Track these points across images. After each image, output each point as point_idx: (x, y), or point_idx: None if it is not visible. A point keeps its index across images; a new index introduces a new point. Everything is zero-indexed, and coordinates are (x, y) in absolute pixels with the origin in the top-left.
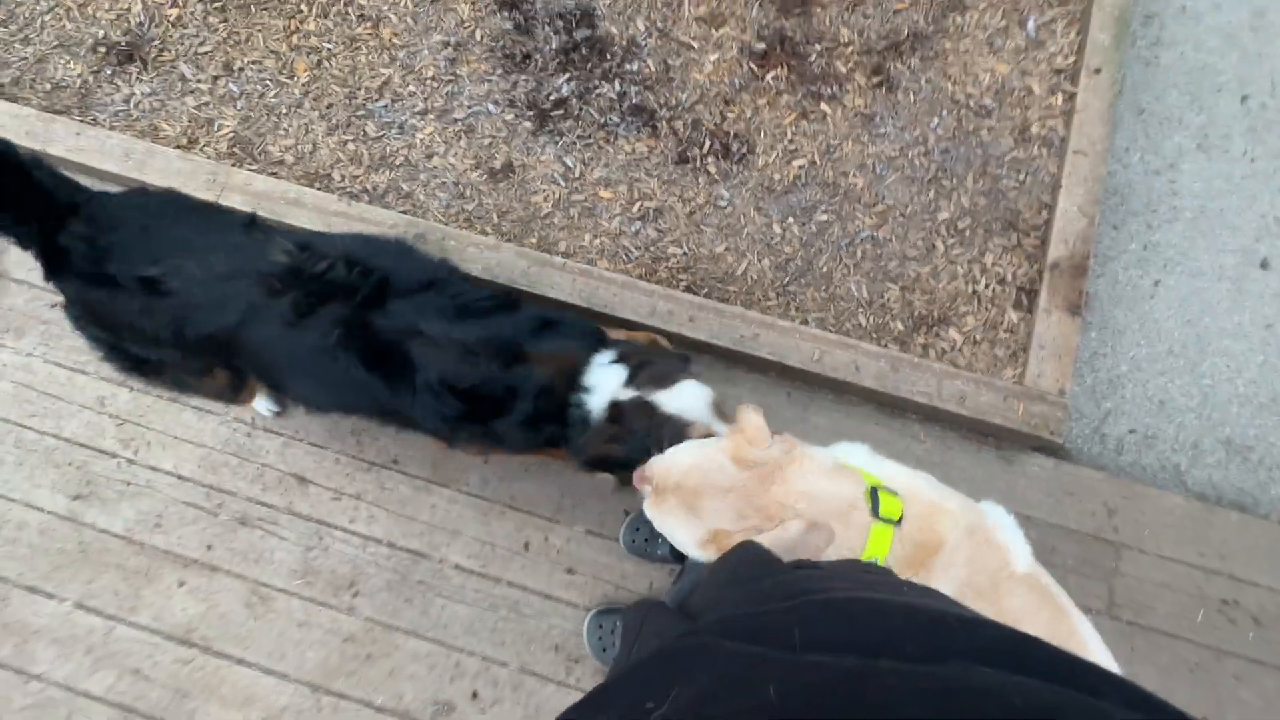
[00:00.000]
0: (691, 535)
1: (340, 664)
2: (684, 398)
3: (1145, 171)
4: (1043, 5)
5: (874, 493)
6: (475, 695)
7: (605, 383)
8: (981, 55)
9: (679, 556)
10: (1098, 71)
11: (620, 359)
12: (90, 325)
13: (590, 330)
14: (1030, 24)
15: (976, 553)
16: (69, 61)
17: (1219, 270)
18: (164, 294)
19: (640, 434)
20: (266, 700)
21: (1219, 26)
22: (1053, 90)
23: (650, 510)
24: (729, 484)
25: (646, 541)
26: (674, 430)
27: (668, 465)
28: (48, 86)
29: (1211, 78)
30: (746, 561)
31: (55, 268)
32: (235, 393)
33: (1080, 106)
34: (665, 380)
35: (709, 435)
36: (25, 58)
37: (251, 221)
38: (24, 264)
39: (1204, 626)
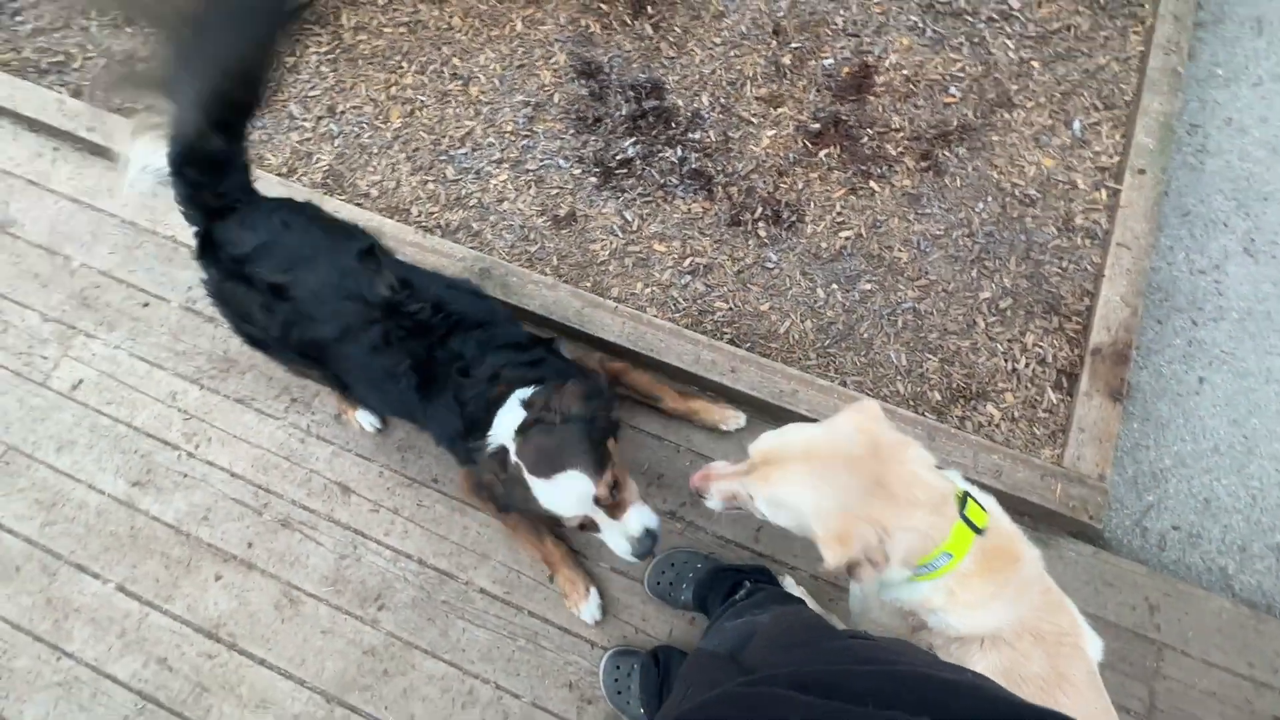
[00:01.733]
0: (822, 505)
1: (357, 677)
2: (556, 492)
3: (1190, 270)
4: (1089, 108)
5: (965, 497)
6: None
7: (506, 422)
8: (1027, 149)
9: (701, 604)
10: (1142, 172)
11: (527, 404)
12: (223, 304)
13: (563, 368)
14: (1076, 124)
15: (1046, 599)
16: None
17: (1267, 373)
18: (285, 299)
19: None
20: (281, 705)
21: (1265, 139)
22: (1096, 186)
23: (764, 486)
24: (858, 454)
25: (671, 585)
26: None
27: (786, 440)
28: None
29: (1258, 186)
30: (804, 625)
31: (204, 252)
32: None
33: (1124, 203)
34: (548, 464)
35: (582, 525)
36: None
37: (370, 250)
38: (126, 265)
39: None
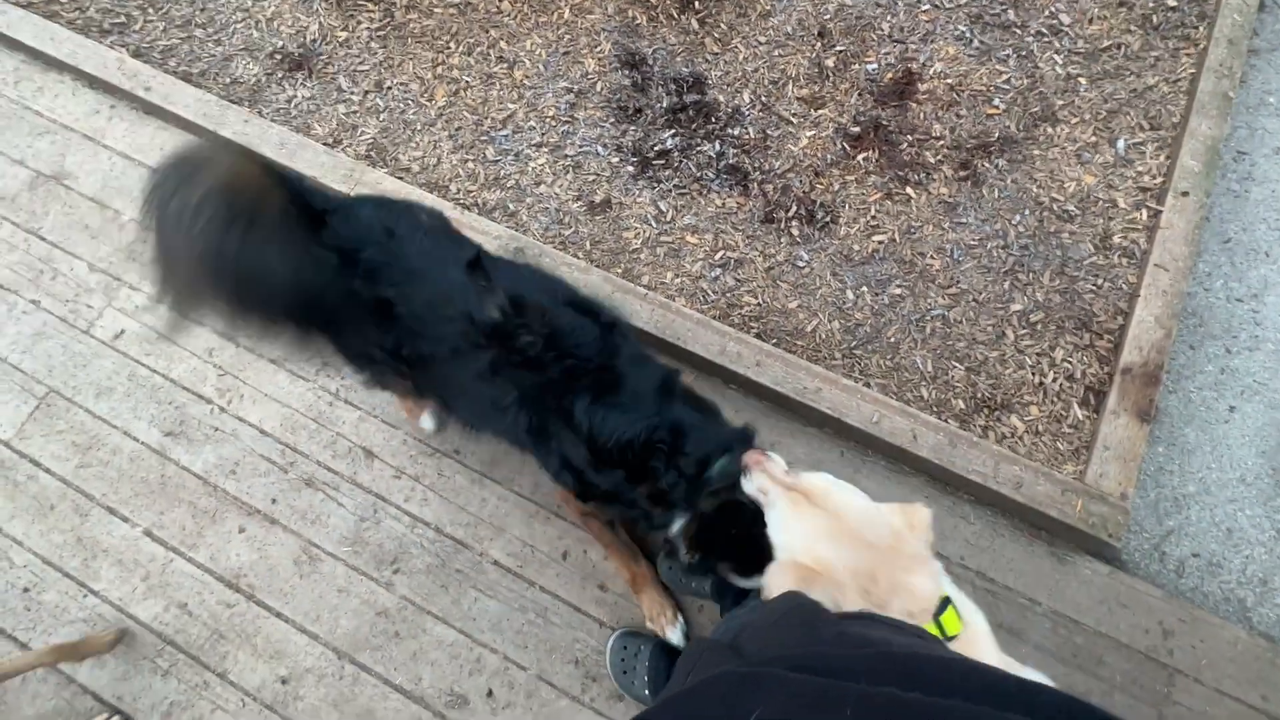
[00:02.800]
0: (797, 550)
1: (369, 636)
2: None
3: (1228, 298)
4: (1134, 128)
5: (945, 602)
6: (490, 694)
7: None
8: (1069, 165)
9: (719, 594)
10: (1185, 194)
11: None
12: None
13: (726, 437)
14: (1120, 143)
15: None
16: (249, 63)
17: None
18: (393, 316)
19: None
20: (294, 658)
21: None
22: (1137, 206)
23: (783, 507)
24: (876, 545)
25: (686, 575)
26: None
27: (834, 492)
28: (228, 80)
29: None
30: (798, 608)
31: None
32: (417, 397)
33: (1165, 224)
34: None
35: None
36: (214, 55)
37: (476, 260)
38: None
39: None
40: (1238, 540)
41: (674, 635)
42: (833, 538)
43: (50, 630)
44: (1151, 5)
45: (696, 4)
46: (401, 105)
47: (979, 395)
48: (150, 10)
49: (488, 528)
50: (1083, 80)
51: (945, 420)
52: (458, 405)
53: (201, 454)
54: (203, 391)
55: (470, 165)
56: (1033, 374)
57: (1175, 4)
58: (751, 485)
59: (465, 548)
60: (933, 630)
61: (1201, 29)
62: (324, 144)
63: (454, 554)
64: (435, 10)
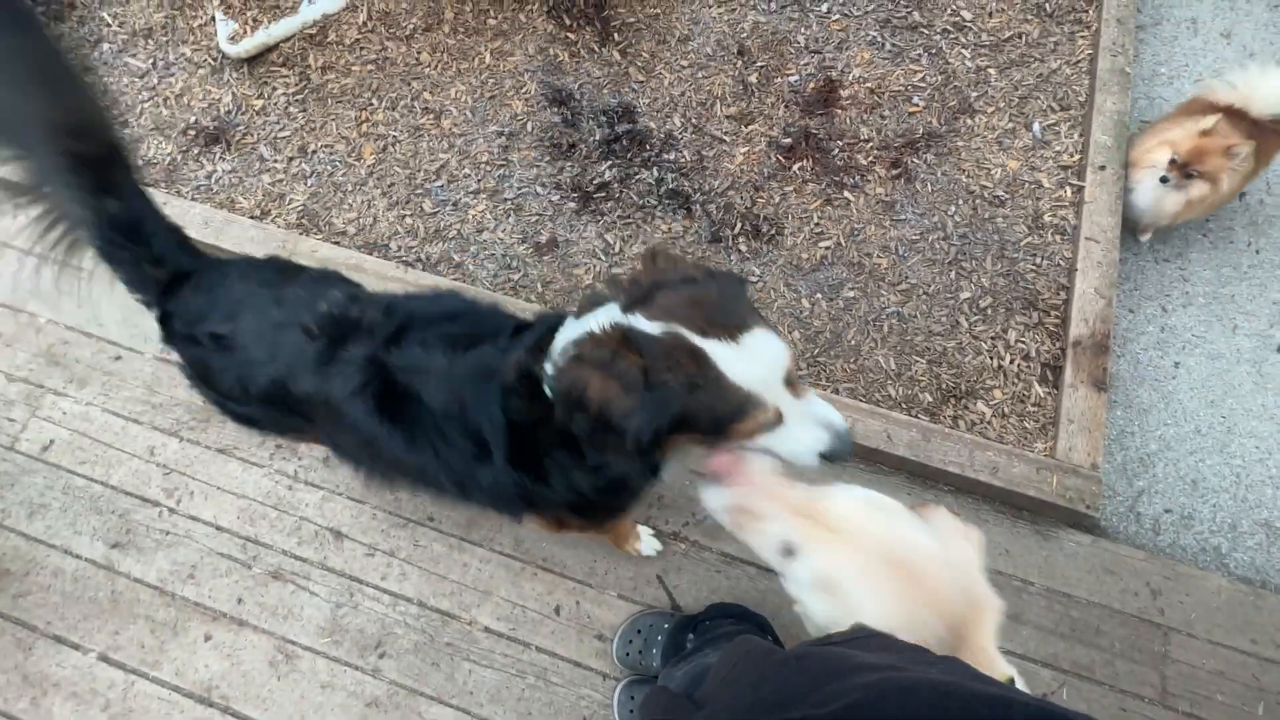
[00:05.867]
0: (894, 623)
1: None
2: (746, 358)
3: (1156, 260)
4: (1046, 111)
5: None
6: None
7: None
8: (992, 152)
9: (664, 659)
10: (1102, 168)
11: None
12: (199, 384)
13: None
14: (1036, 127)
15: None
16: (161, 142)
17: (1237, 354)
18: (226, 347)
19: None
20: None
21: None
22: (1061, 184)
23: (823, 553)
24: (949, 600)
25: (640, 653)
26: None
27: (879, 520)
28: (140, 163)
29: None
30: (748, 655)
31: (168, 335)
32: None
33: (1089, 199)
34: (721, 318)
35: None
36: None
37: (326, 276)
38: (96, 319)
39: None
40: (1203, 490)
41: (647, 546)
42: (904, 597)
43: None
44: None
45: (615, 35)
46: (329, 168)
47: (943, 386)
48: None
49: (473, 594)
50: (992, 71)
51: (916, 416)
52: (327, 425)
53: (154, 562)
54: (148, 494)
55: (409, 220)
56: (990, 358)
57: None
58: (727, 499)
59: (452, 619)
60: None
61: (1091, 11)
62: (251, 217)
63: (441, 627)
64: (353, 69)
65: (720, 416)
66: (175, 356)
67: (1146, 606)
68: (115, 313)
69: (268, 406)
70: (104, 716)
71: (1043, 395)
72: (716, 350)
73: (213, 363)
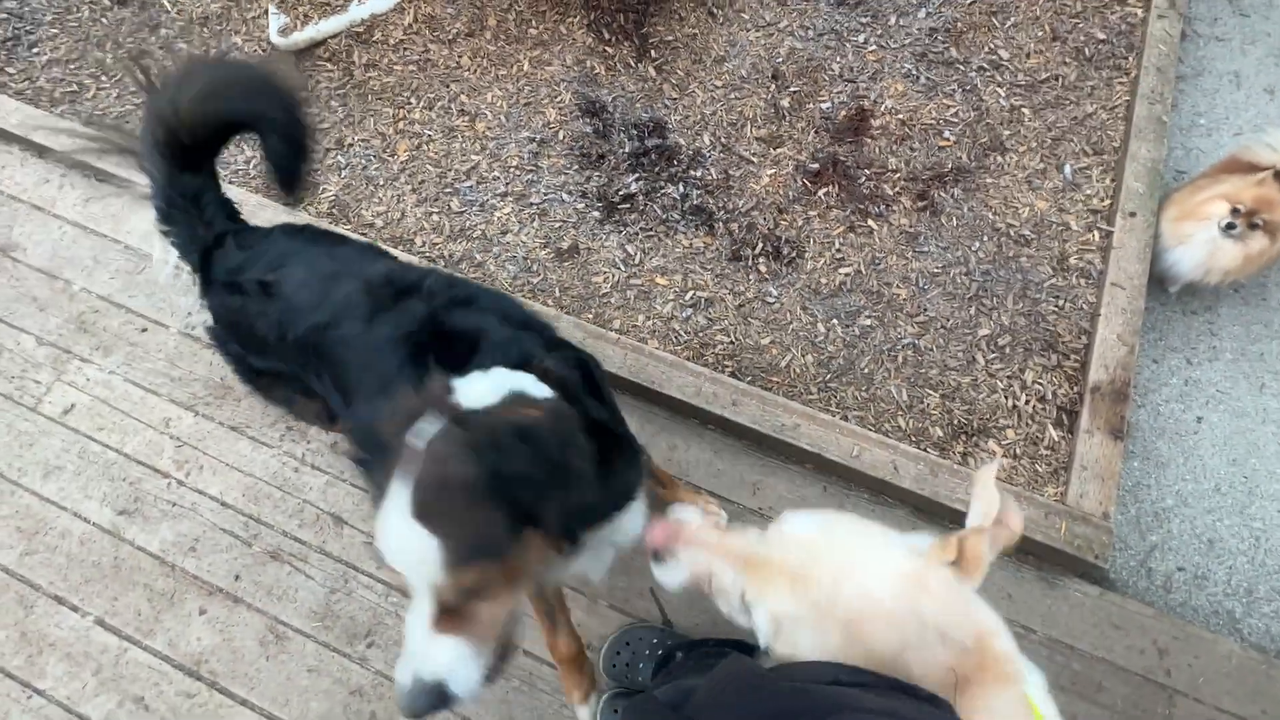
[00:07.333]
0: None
1: (342, 718)
2: (387, 528)
3: (1184, 311)
4: (1079, 154)
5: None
6: None
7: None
8: (1021, 191)
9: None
10: (1133, 215)
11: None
12: (225, 340)
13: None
14: (1067, 169)
15: None
16: None
17: (1263, 413)
18: (273, 295)
19: None
20: None
21: None
22: (1089, 228)
23: (771, 601)
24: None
25: (628, 666)
26: None
27: (825, 559)
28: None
29: None
30: (735, 676)
31: (205, 287)
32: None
33: (1117, 244)
34: (420, 491)
35: None
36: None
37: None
38: (127, 290)
39: None
40: (1219, 551)
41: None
42: (857, 649)
43: None
44: (1082, 39)
45: (653, 53)
46: (363, 161)
47: (955, 422)
48: (103, 78)
49: None
50: (1026, 110)
51: (924, 449)
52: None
53: (158, 532)
54: (159, 465)
55: (435, 218)
56: (1005, 397)
57: (1104, 37)
58: (683, 573)
59: None
60: None
61: (1131, 59)
62: (284, 204)
63: None
64: (395, 68)
65: None
66: (200, 332)
67: (1153, 666)
68: (148, 285)
69: (300, 353)
70: (94, 680)
71: (1057, 439)
72: (389, 489)
73: (252, 308)
